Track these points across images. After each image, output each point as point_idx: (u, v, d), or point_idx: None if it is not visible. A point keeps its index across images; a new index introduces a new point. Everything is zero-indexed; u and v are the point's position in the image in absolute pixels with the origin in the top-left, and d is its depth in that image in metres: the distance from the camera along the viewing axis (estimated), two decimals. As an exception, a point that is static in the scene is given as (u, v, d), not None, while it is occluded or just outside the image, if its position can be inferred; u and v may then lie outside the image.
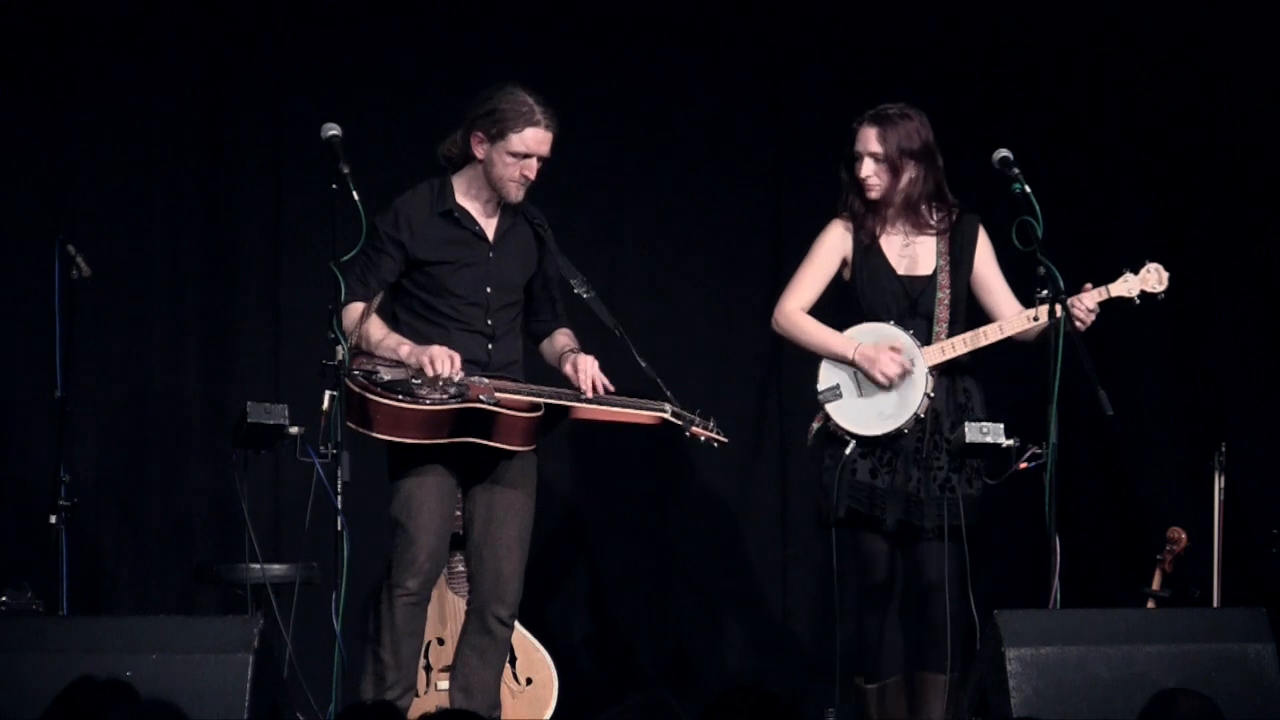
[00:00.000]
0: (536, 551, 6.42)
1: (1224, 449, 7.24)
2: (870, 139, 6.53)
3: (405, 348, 6.17)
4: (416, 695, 6.60)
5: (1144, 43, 8.04)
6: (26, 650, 5.35)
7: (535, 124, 6.23)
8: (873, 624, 6.56)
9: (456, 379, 6.12)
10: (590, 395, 6.27)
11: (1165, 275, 6.52)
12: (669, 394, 6.37)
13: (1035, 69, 8.06)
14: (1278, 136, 7.91)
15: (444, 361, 6.11)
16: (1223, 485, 7.23)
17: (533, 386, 6.29)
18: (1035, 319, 6.40)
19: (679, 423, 6.40)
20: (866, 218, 6.58)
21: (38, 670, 5.19)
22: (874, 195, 6.55)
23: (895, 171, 6.52)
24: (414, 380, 6.11)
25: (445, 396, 6.10)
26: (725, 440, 6.52)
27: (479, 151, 6.28)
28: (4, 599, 6.66)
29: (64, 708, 4.41)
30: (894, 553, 6.52)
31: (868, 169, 6.54)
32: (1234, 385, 8.04)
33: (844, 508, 6.44)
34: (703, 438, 6.47)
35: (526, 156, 6.24)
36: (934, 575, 6.44)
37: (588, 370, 6.30)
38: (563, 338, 6.47)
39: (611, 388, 6.31)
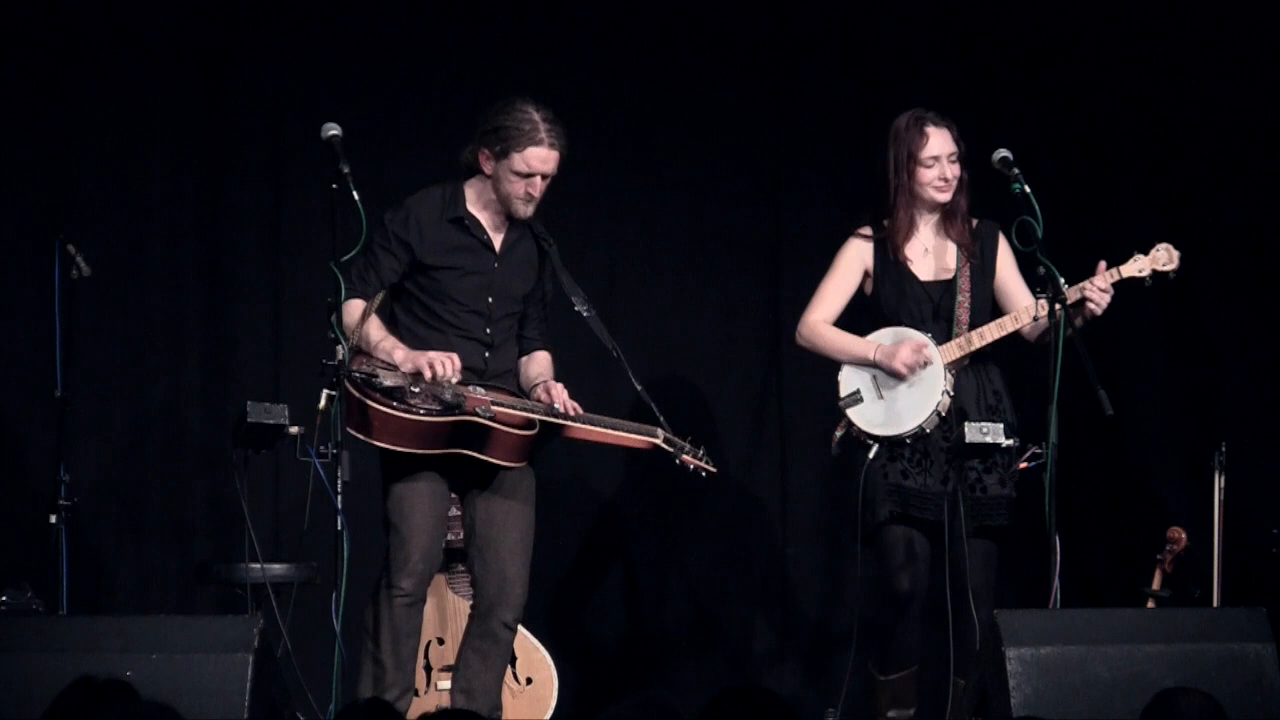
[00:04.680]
0: (537, 554, 6.42)
1: (1224, 449, 7.23)
2: (948, 139, 6.50)
3: (400, 352, 6.15)
4: (416, 695, 6.60)
5: (1145, 41, 8.04)
6: (26, 650, 5.35)
7: (538, 143, 6.19)
8: (895, 618, 6.50)
9: (456, 380, 6.11)
10: (581, 414, 6.26)
11: (1176, 254, 6.49)
12: (662, 420, 6.37)
13: (1035, 68, 8.05)
14: (1277, 135, 7.91)
15: (443, 363, 6.10)
16: (1223, 485, 7.22)
17: (529, 402, 6.29)
18: (1036, 318, 6.39)
19: (670, 449, 6.41)
20: (899, 227, 6.54)
21: (38, 670, 5.20)
22: (947, 197, 6.53)
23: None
24: (412, 388, 6.11)
25: (440, 407, 6.09)
26: (714, 470, 6.53)
27: (486, 167, 6.27)
28: (4, 599, 6.65)
29: (64, 708, 4.41)
30: (923, 550, 6.47)
31: (955, 171, 6.50)
32: (1234, 385, 8.03)
33: (885, 511, 6.43)
34: (691, 466, 6.47)
35: (530, 175, 6.23)
36: (974, 578, 6.39)
37: (560, 395, 6.29)
38: (540, 363, 6.43)
39: (581, 412, 6.30)
